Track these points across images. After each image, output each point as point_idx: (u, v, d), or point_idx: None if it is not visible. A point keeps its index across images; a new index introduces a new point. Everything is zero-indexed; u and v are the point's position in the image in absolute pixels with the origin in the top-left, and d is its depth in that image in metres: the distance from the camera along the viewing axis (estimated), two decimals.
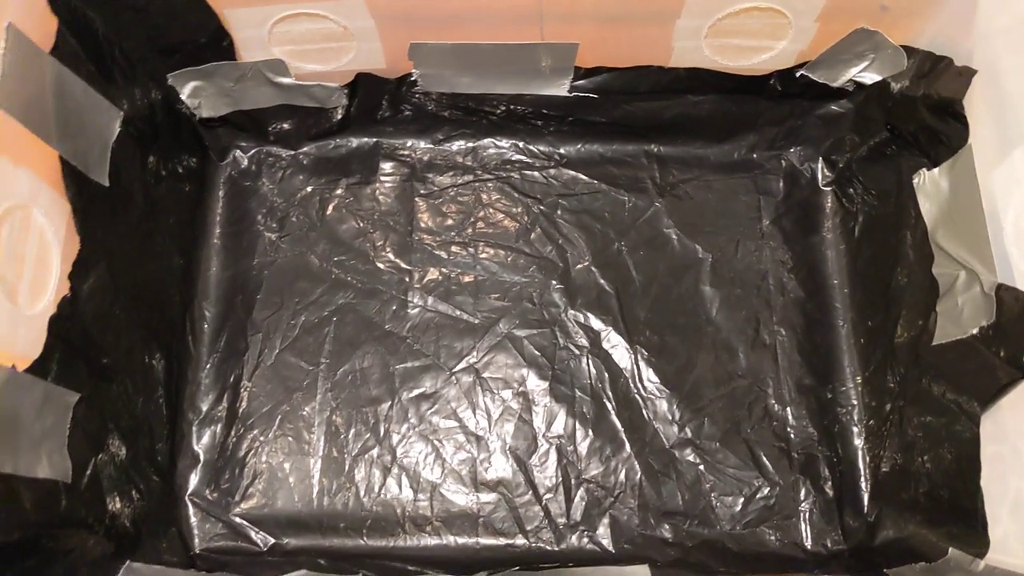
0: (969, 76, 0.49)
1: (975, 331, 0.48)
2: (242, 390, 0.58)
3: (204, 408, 0.57)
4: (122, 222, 0.52)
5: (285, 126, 0.61)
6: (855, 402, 0.58)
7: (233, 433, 0.57)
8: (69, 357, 0.46)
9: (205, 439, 0.57)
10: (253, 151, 0.62)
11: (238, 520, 0.55)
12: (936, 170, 0.52)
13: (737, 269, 0.60)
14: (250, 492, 0.56)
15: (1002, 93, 0.48)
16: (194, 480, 0.56)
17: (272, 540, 0.55)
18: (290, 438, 0.57)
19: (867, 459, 0.57)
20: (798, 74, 0.57)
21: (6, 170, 0.43)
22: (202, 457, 0.57)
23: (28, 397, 0.43)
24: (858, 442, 0.57)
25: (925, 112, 0.53)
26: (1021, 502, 0.46)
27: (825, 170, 0.62)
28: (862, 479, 0.56)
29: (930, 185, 0.53)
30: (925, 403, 0.52)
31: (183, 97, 0.57)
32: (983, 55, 0.49)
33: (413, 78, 0.58)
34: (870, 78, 0.56)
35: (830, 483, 0.56)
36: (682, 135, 0.62)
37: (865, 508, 0.56)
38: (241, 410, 0.57)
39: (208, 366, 0.58)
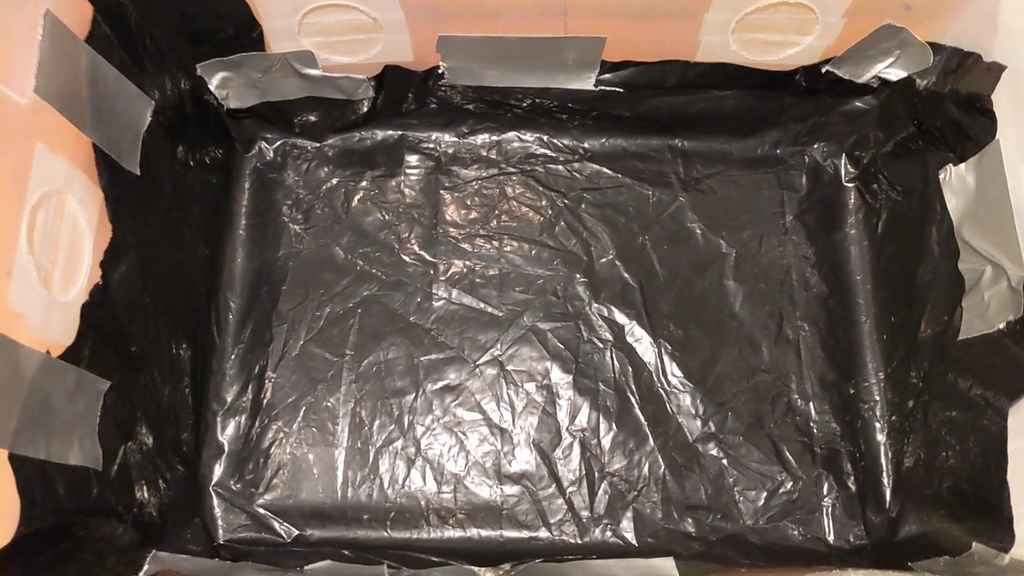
0: (999, 72, 0.49)
1: (1002, 326, 0.48)
2: (267, 381, 0.58)
3: (229, 399, 0.57)
4: (152, 211, 0.52)
5: (311, 118, 0.61)
6: (877, 398, 0.58)
7: (257, 424, 0.57)
8: (100, 345, 0.46)
9: (230, 430, 0.57)
10: (278, 143, 0.62)
11: (262, 511, 0.55)
12: (962, 165, 0.52)
13: (761, 264, 0.61)
14: (274, 483, 0.56)
15: None
16: (218, 471, 0.56)
17: (296, 531, 0.55)
18: (314, 429, 0.57)
19: (889, 454, 0.57)
20: (823, 70, 0.57)
21: (43, 156, 0.43)
22: (226, 448, 0.57)
23: (61, 383, 0.43)
24: (880, 437, 0.57)
25: (952, 108, 0.53)
26: None
27: (848, 166, 0.62)
28: (884, 474, 0.57)
29: (956, 180, 0.53)
30: (951, 398, 0.52)
31: (211, 87, 0.57)
32: (1008, 55, 0.50)
33: (440, 71, 0.58)
34: (896, 74, 0.56)
35: (853, 478, 0.57)
36: (706, 130, 0.62)
37: (887, 503, 0.56)
38: (266, 401, 0.58)
39: (233, 356, 0.58)
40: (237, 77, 0.57)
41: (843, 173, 0.62)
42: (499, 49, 0.55)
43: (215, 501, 0.56)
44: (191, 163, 0.56)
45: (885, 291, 0.59)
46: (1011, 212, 0.48)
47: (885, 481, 0.56)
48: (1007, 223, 0.48)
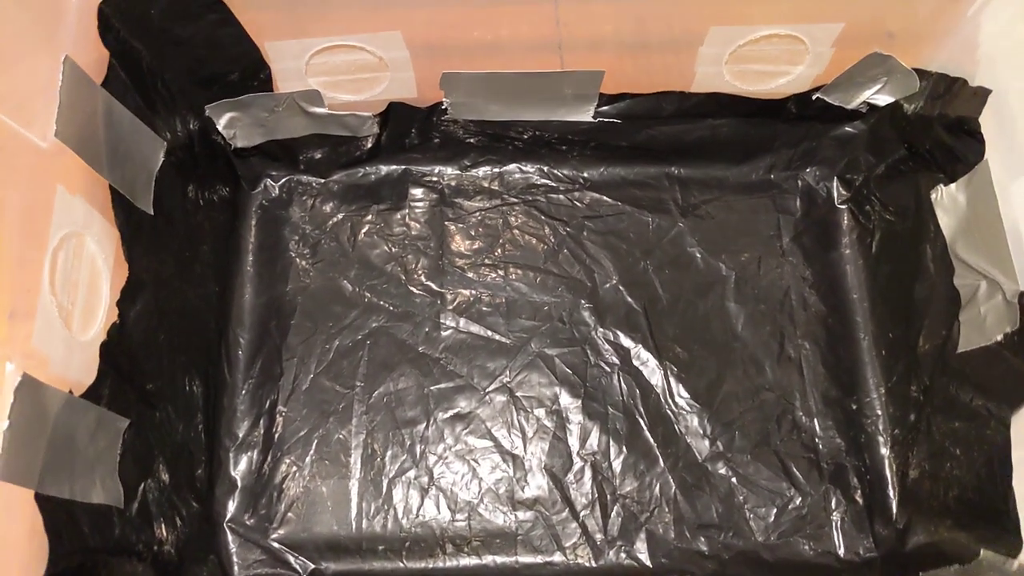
0: (984, 96, 0.51)
1: (999, 338, 0.50)
2: (278, 415, 0.58)
3: (240, 434, 0.58)
4: (165, 250, 0.53)
5: (316, 155, 0.62)
6: (879, 412, 0.59)
7: (270, 458, 0.57)
8: (119, 383, 0.47)
9: (242, 465, 0.57)
10: (284, 180, 0.63)
11: (277, 545, 0.56)
12: (953, 185, 0.54)
13: (760, 286, 0.62)
14: (288, 517, 0.56)
15: (1012, 113, 0.50)
16: (232, 506, 0.56)
17: (311, 565, 0.55)
18: (327, 462, 0.57)
19: (894, 467, 0.58)
20: (814, 97, 0.59)
21: (63, 198, 0.44)
22: (239, 483, 0.57)
23: (83, 422, 0.44)
24: (884, 451, 0.58)
25: (941, 131, 0.55)
26: None
27: (841, 189, 0.64)
28: (890, 487, 0.58)
29: (948, 200, 0.55)
30: (953, 409, 0.53)
31: (219, 127, 0.58)
32: (989, 79, 0.52)
33: (444, 107, 0.59)
34: (883, 100, 0.58)
35: (860, 492, 0.58)
36: (702, 157, 0.64)
37: (895, 515, 0.57)
38: (277, 435, 0.58)
39: (244, 392, 0.58)
40: (245, 117, 0.58)
41: (836, 195, 0.64)
42: (501, 85, 0.57)
43: (229, 537, 0.56)
44: (200, 202, 0.57)
45: (882, 308, 0.61)
46: (1002, 229, 0.50)
47: (891, 493, 0.57)
48: (999, 239, 0.50)
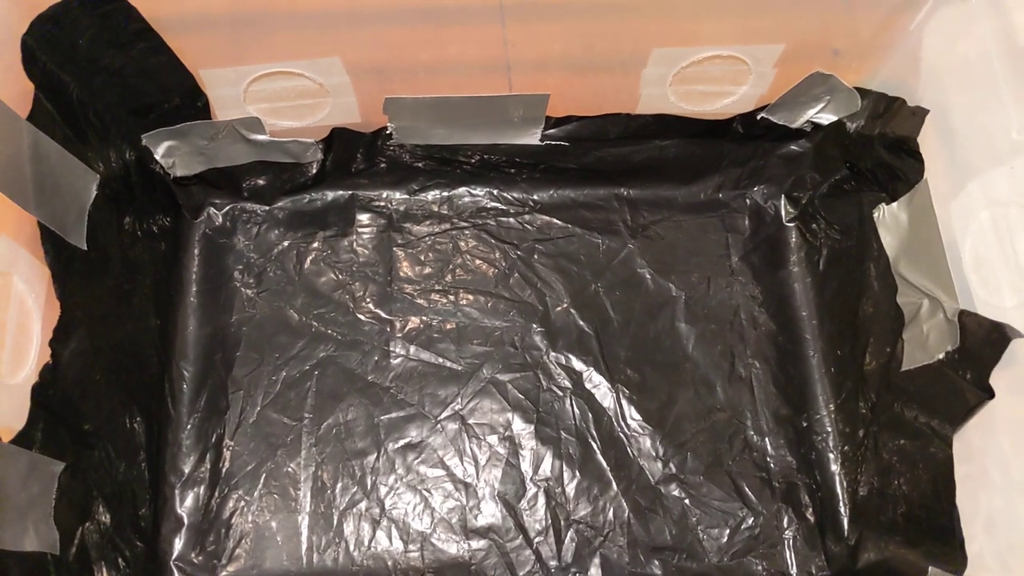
0: (923, 115, 0.52)
1: (941, 356, 0.50)
2: (225, 449, 0.57)
3: (186, 470, 0.56)
4: (100, 285, 0.51)
5: (260, 182, 0.61)
6: (829, 429, 0.59)
7: (217, 494, 0.56)
8: (52, 425, 0.45)
9: (188, 502, 0.56)
10: (227, 208, 0.62)
11: None
12: (895, 204, 0.55)
13: (710, 305, 0.62)
14: (237, 553, 0.55)
15: (952, 129, 0.51)
16: (179, 544, 0.55)
17: None
18: (276, 496, 0.56)
19: (844, 484, 0.58)
20: (759, 117, 0.59)
21: None
22: (186, 520, 0.55)
23: (14, 468, 0.42)
24: (835, 468, 0.59)
25: (881, 150, 0.55)
26: (993, 519, 0.47)
27: (788, 207, 0.64)
28: (841, 504, 0.58)
29: (890, 219, 0.55)
30: (899, 427, 0.54)
31: (157, 157, 0.57)
32: (932, 95, 0.52)
33: (388, 131, 0.58)
34: (827, 119, 0.59)
35: (811, 509, 0.58)
36: (651, 178, 0.64)
37: (846, 532, 0.57)
38: (224, 470, 0.57)
39: (189, 427, 0.57)
40: (183, 145, 0.57)
41: (784, 214, 0.64)
42: (446, 109, 0.56)
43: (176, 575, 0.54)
44: (139, 233, 0.56)
45: (830, 326, 0.61)
46: (942, 248, 0.50)
47: (842, 510, 0.58)
48: (939, 259, 0.51)
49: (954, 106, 0.51)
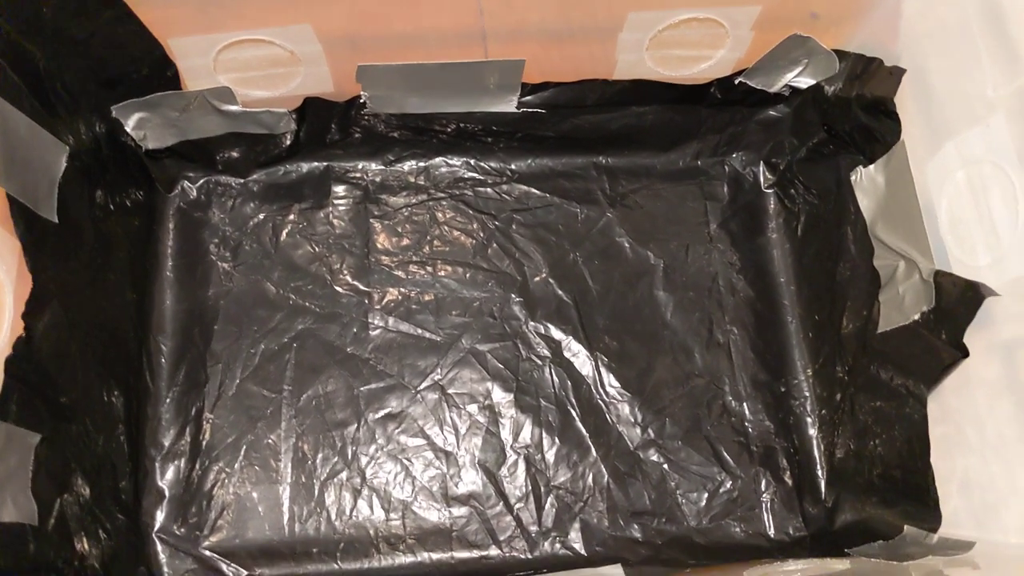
0: (899, 75, 0.52)
1: (917, 316, 0.50)
2: (204, 422, 0.57)
3: (166, 443, 0.56)
4: (73, 258, 0.51)
5: (233, 154, 0.60)
6: (807, 394, 0.60)
7: (198, 466, 0.56)
8: (28, 397, 0.45)
9: (169, 474, 0.56)
10: (202, 181, 0.62)
11: (208, 554, 0.55)
12: (872, 166, 0.55)
13: (689, 273, 0.62)
14: (219, 524, 0.55)
15: (930, 91, 0.50)
16: (160, 517, 0.55)
17: (244, 571, 0.54)
18: (257, 467, 0.56)
19: (822, 447, 0.59)
20: (736, 81, 0.59)
21: None
22: (167, 493, 0.56)
23: None
24: (812, 432, 0.59)
25: (859, 112, 0.55)
26: (968, 479, 0.48)
27: (767, 173, 0.64)
28: (818, 467, 0.59)
29: (867, 181, 0.55)
30: (875, 389, 0.54)
31: (128, 129, 0.56)
32: (910, 57, 0.52)
33: (362, 100, 0.58)
34: (805, 82, 0.59)
35: (789, 473, 0.58)
36: (629, 146, 0.63)
37: (823, 494, 0.58)
38: (205, 443, 0.57)
39: (168, 400, 0.57)
40: (154, 117, 0.56)
41: (762, 180, 0.64)
42: (419, 76, 0.56)
43: (159, 547, 0.55)
44: (112, 207, 0.55)
45: (808, 291, 0.61)
46: (919, 209, 0.51)
47: (820, 473, 0.58)
48: (916, 219, 0.51)
49: (932, 68, 0.50)
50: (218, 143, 0.59)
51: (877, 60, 0.54)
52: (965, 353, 0.47)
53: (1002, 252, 0.45)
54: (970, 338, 0.47)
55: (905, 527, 0.51)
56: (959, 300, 0.47)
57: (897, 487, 0.53)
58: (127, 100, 0.54)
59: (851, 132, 0.57)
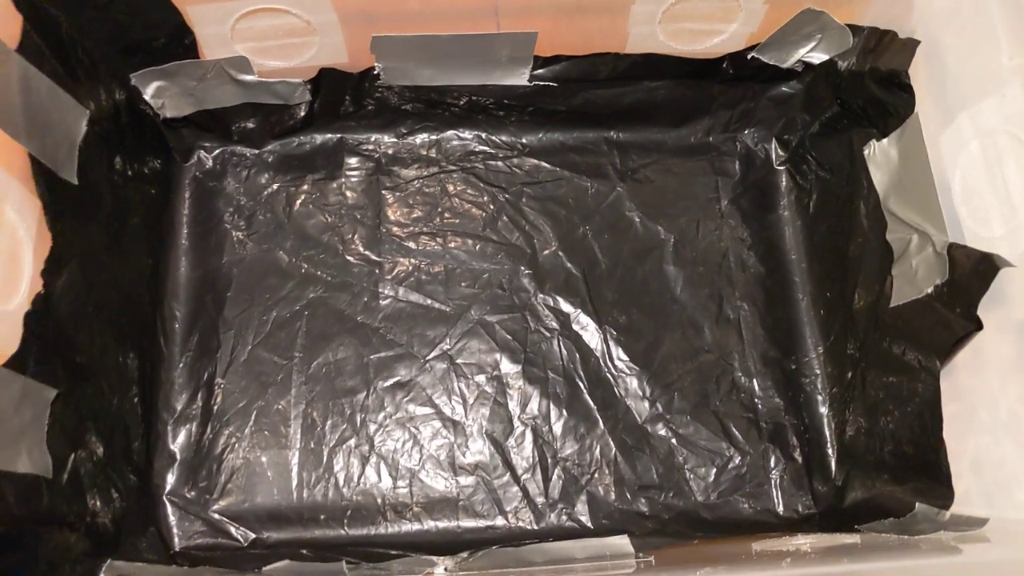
0: (914, 47, 0.51)
1: (930, 290, 0.50)
2: (216, 387, 0.58)
3: (179, 407, 0.57)
4: (92, 221, 0.52)
5: (249, 124, 0.61)
6: (818, 371, 0.59)
7: (209, 431, 0.57)
8: (45, 354, 0.46)
9: (181, 438, 0.57)
10: (217, 151, 0.63)
11: (217, 517, 0.55)
12: (885, 140, 0.54)
13: (699, 248, 0.62)
14: (228, 488, 0.56)
15: (943, 63, 0.50)
16: (171, 479, 0.56)
17: (253, 535, 0.55)
18: (266, 433, 0.57)
19: (832, 425, 0.58)
20: (749, 56, 0.59)
21: None
22: (178, 456, 0.56)
23: (7, 392, 0.43)
24: (823, 409, 0.59)
25: (873, 85, 0.55)
26: (981, 458, 0.47)
27: (779, 150, 0.64)
28: (828, 444, 0.58)
29: (880, 155, 0.55)
30: (887, 364, 0.54)
31: (147, 97, 0.57)
32: (925, 30, 0.52)
33: (376, 72, 0.58)
34: (818, 58, 0.58)
35: (798, 450, 0.58)
36: (640, 121, 0.63)
37: (833, 472, 0.57)
38: (216, 407, 0.57)
39: (181, 365, 0.58)
40: (172, 86, 0.57)
41: (774, 157, 0.64)
42: (433, 48, 0.56)
43: (169, 509, 0.55)
44: (129, 174, 0.56)
45: (819, 268, 0.61)
46: (932, 181, 0.50)
47: (829, 451, 0.58)
48: (929, 192, 0.50)
49: (946, 39, 0.50)
50: (234, 113, 0.60)
51: (891, 32, 0.53)
52: (979, 325, 0.46)
53: (1017, 223, 0.45)
54: (984, 316, 0.46)
55: (917, 504, 0.50)
56: (973, 272, 0.46)
57: (909, 464, 0.52)
58: (146, 68, 0.55)
59: (864, 106, 0.56)
